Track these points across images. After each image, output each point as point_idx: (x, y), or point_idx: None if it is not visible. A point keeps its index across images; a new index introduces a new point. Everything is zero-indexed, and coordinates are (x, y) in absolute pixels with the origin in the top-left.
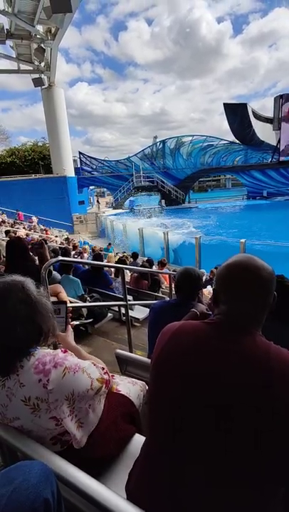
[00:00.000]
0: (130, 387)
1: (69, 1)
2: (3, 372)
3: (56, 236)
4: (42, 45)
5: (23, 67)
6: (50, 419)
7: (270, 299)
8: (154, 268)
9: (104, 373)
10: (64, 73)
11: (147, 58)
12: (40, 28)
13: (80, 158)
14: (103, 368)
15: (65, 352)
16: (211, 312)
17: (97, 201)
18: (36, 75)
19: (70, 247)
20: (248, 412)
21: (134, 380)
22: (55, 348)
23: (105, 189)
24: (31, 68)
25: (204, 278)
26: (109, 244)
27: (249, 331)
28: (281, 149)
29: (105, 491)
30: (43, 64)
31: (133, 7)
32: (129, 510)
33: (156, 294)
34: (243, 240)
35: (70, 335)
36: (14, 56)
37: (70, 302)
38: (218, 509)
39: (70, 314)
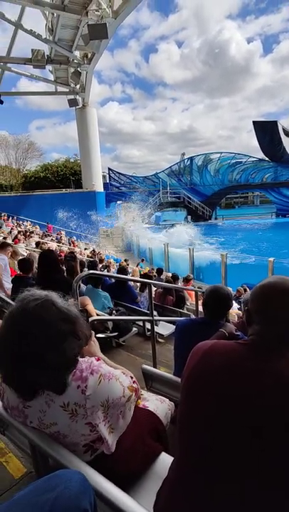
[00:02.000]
0: (158, 405)
1: (106, 29)
2: (60, 391)
3: (85, 249)
4: (78, 68)
5: (60, 89)
6: (86, 425)
7: None
8: (179, 284)
9: (134, 382)
10: (96, 93)
11: (176, 78)
12: (77, 53)
13: (109, 174)
14: (132, 377)
15: (98, 360)
16: (239, 333)
17: (126, 215)
18: (71, 96)
19: (97, 260)
20: (282, 432)
21: (162, 397)
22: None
23: (132, 204)
24: (67, 90)
25: None
26: (142, 259)
27: (283, 352)
28: None
29: (140, 508)
30: (78, 86)
31: (164, 31)
32: None
33: (181, 310)
34: (271, 259)
35: (94, 345)
36: (52, 79)
37: (97, 315)
38: None
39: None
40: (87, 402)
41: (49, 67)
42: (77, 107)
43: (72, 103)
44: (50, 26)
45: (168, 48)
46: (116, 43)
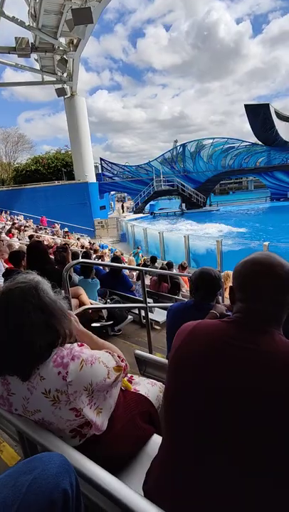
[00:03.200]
0: (149, 388)
1: (90, 13)
2: (25, 378)
3: (78, 238)
4: (64, 56)
5: (47, 78)
6: (70, 411)
7: (287, 296)
8: (175, 271)
9: (122, 361)
10: (84, 82)
11: (165, 63)
12: (62, 40)
13: (101, 164)
14: (119, 356)
15: (81, 345)
16: (230, 313)
17: (122, 206)
18: (59, 86)
19: (91, 250)
20: (268, 408)
21: (153, 381)
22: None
23: (126, 194)
24: (54, 79)
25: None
26: (139, 247)
27: (267, 329)
28: None
29: (125, 488)
30: (65, 74)
31: (150, 14)
32: (148, 508)
33: (176, 297)
34: (266, 243)
35: (72, 321)
36: (38, 68)
37: (91, 304)
38: (242, 501)
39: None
40: (68, 388)
41: (34, 55)
42: (66, 96)
43: (60, 92)
44: (32, 12)
45: (155, 32)
46: (102, 28)
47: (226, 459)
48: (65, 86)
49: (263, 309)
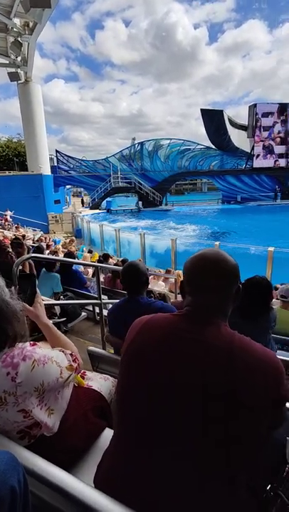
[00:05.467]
0: (102, 383)
1: None
2: None
3: (28, 232)
4: (19, 39)
5: None
6: (18, 412)
7: (233, 290)
8: None
9: (74, 360)
10: (39, 68)
11: (124, 59)
12: (17, 21)
13: (56, 156)
14: (72, 354)
15: (33, 345)
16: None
17: (82, 201)
18: (12, 69)
19: (44, 245)
20: (213, 397)
21: (106, 375)
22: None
23: (82, 189)
24: (7, 62)
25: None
26: (81, 243)
27: (214, 321)
28: (254, 156)
29: (75, 481)
30: (19, 58)
31: (110, 6)
32: (98, 499)
33: None
34: (217, 243)
35: (39, 308)
36: None
37: (43, 300)
38: (192, 494)
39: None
40: (17, 390)
41: None
42: (19, 81)
43: (13, 77)
44: None
45: (115, 26)
46: (59, 14)
47: (176, 452)
48: (19, 71)
49: (209, 302)
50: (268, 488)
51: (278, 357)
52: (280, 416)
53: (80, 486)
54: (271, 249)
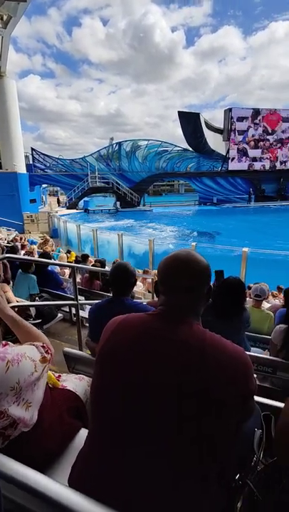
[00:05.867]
0: (77, 383)
1: None
2: None
3: (2, 232)
4: None
5: None
6: None
7: (205, 290)
8: (107, 269)
9: (46, 351)
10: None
11: (101, 58)
12: None
13: (32, 154)
14: (43, 346)
15: (5, 345)
16: None
17: (58, 200)
18: None
19: (19, 245)
20: (186, 395)
21: (81, 376)
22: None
23: (59, 188)
24: None
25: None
26: (58, 245)
27: (186, 320)
28: (230, 159)
29: (49, 482)
30: None
31: (87, 3)
32: (72, 497)
33: (108, 294)
34: (194, 244)
35: (2, 302)
36: None
37: (17, 302)
38: (166, 492)
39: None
40: None
41: None
42: None
43: None
44: None
45: (92, 24)
46: (34, 8)
47: (150, 451)
48: None
49: (182, 302)
50: (236, 477)
51: (247, 353)
52: (250, 409)
53: (54, 486)
54: (246, 249)
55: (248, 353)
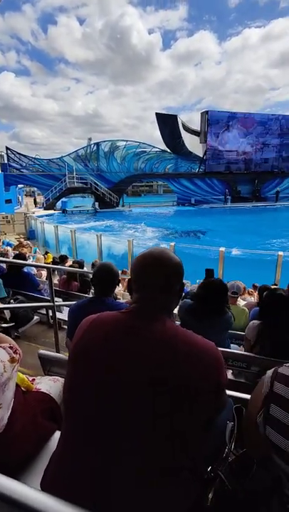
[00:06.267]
0: (51, 384)
1: None
2: None
3: None
4: None
5: None
6: None
7: (177, 287)
8: (85, 270)
9: (15, 352)
10: None
11: (78, 57)
12: None
13: (7, 153)
14: (11, 346)
15: None
16: None
17: (34, 201)
18: None
19: None
20: (159, 392)
21: (55, 377)
22: None
23: (35, 188)
24: None
25: None
26: (34, 245)
27: (159, 317)
28: (206, 161)
29: (17, 485)
30: None
31: (63, 1)
32: (43, 500)
33: (86, 295)
34: (172, 244)
35: None
36: None
37: None
38: (133, 488)
39: None
40: None
41: None
42: None
43: None
44: None
45: (68, 23)
46: (7, 4)
47: (124, 448)
48: None
49: (155, 299)
50: (208, 469)
51: (222, 349)
52: (222, 403)
53: (25, 490)
54: (222, 249)
55: (223, 349)
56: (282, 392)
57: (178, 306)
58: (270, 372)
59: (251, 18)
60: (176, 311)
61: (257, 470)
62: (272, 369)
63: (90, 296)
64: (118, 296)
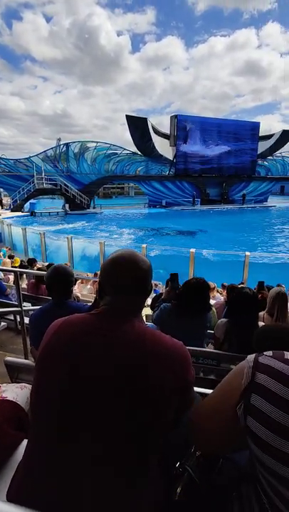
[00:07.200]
0: (18, 392)
1: None
2: None
3: None
4: None
5: None
6: None
7: (147, 288)
8: None
9: None
10: None
11: (45, 55)
12: None
13: None
14: None
15: None
16: None
17: (1, 202)
18: None
19: None
20: (128, 393)
21: (22, 384)
22: None
23: (1, 189)
24: None
25: None
26: (9, 248)
27: (128, 318)
28: (176, 164)
29: None
30: None
31: None
32: (8, 510)
33: None
34: (144, 245)
35: None
36: None
37: None
38: (101, 491)
39: None
40: None
41: None
42: None
43: None
44: None
45: (34, 19)
46: None
47: (90, 451)
48: None
49: (125, 301)
50: (177, 465)
51: (191, 348)
52: (189, 400)
53: None
54: (192, 250)
55: (195, 348)
56: (264, 383)
57: (158, 310)
58: (248, 363)
59: (216, 27)
60: (147, 312)
61: (224, 463)
62: (251, 359)
63: None
64: (90, 299)
